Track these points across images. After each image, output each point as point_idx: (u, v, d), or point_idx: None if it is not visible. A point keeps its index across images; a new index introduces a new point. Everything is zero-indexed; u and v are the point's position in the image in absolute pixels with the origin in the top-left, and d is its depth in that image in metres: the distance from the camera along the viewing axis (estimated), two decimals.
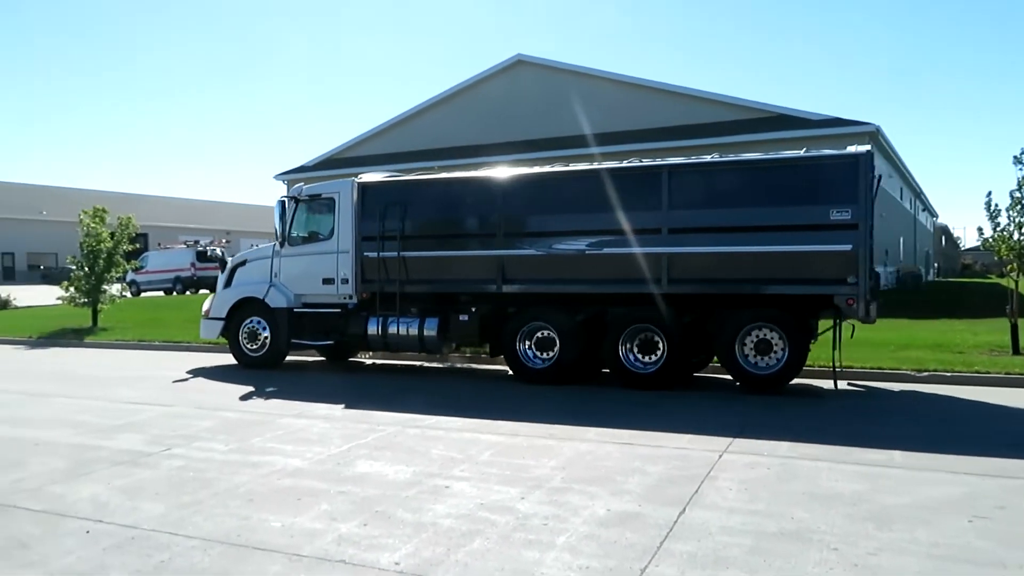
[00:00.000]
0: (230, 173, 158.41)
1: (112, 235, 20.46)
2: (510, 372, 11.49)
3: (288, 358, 13.58)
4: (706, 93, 28.12)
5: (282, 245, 12.80)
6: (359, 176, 12.68)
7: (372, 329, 11.92)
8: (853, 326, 10.54)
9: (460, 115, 31.90)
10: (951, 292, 30.96)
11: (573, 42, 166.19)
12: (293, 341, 12.73)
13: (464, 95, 32.35)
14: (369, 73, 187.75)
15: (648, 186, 10.48)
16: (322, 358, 14.05)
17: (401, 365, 13.58)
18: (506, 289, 11.19)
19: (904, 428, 7.93)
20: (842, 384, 10.35)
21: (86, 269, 20.06)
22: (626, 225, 10.42)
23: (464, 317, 11.50)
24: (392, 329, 11.79)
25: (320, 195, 12.71)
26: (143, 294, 33.65)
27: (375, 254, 11.88)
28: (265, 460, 6.64)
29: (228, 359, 13.43)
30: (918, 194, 44.87)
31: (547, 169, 11.69)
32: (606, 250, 10.53)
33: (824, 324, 10.47)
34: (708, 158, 10.78)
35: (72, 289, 20.24)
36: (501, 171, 11.87)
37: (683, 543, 4.59)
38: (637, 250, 10.34)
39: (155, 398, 9.94)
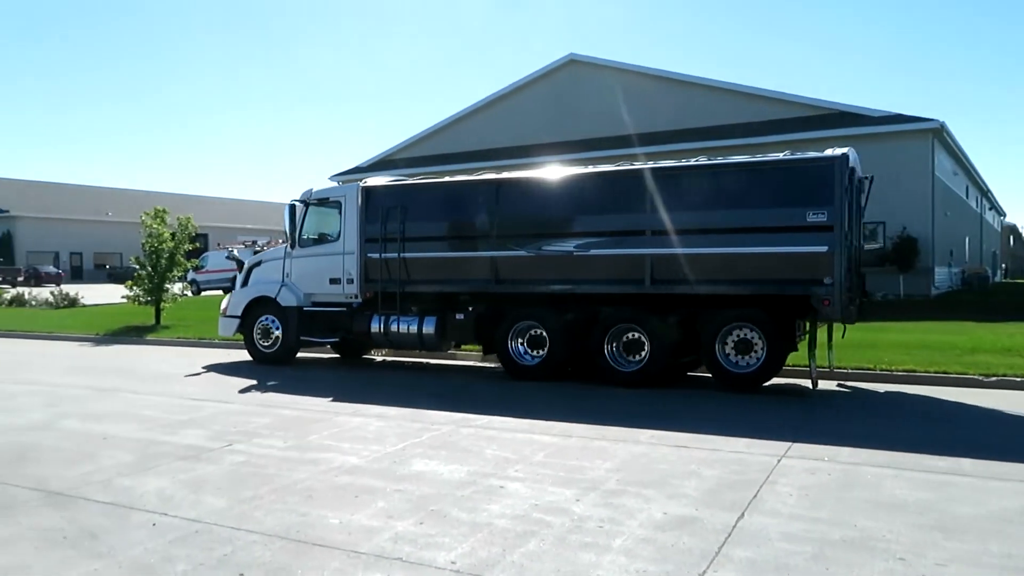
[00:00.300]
0: (287, 174, 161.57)
1: (173, 235, 21.03)
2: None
3: (304, 355, 14.37)
4: (763, 91, 27.68)
5: (293, 247, 13.36)
6: (364, 180, 13.12)
7: (375, 327, 12.38)
8: (844, 327, 10.65)
9: (512, 115, 31.97)
10: (1020, 294, 29.84)
11: (625, 41, 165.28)
12: (303, 338, 13.28)
13: (517, 95, 32.41)
14: (424, 74, 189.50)
15: (632, 189, 10.72)
16: (336, 355, 14.62)
17: (411, 363, 13.94)
18: (499, 289, 11.58)
19: (973, 435, 7.67)
20: (910, 388, 10.07)
21: (149, 269, 20.66)
22: (611, 227, 10.78)
23: (460, 316, 11.95)
24: (394, 327, 12.25)
25: (328, 199, 13.21)
26: (203, 293, 34.53)
27: (377, 255, 12.33)
28: (322, 457, 6.74)
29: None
30: (985, 192, 43.40)
31: (536, 173, 12.03)
32: (592, 251, 10.82)
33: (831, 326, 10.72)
34: (691, 161, 11.02)
35: (136, 288, 20.88)
36: (494, 175, 12.25)
37: (742, 549, 4.51)
38: (622, 251, 10.66)
39: (215, 394, 10.19)
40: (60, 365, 13.91)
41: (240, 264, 15.10)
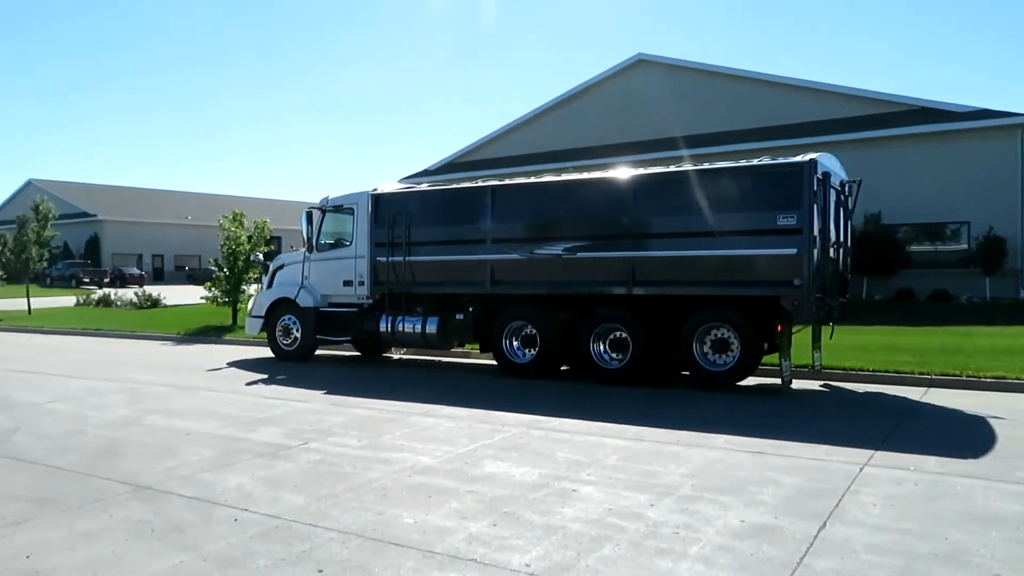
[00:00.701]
0: (359, 177, 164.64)
1: (249, 238, 21.67)
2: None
3: (333, 353, 15.53)
4: (838, 87, 26.88)
5: (310, 251, 14.27)
6: (375, 188, 13.73)
7: (383, 327, 13.16)
8: (832, 327, 11.31)
9: (580, 116, 31.83)
10: None
11: (693, 39, 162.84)
12: (319, 337, 14.16)
13: (584, 96, 32.25)
14: (494, 76, 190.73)
15: (616, 195, 11.31)
16: (357, 353, 15.44)
17: (430, 360, 14.70)
18: (495, 290, 12.18)
19: None
20: (999, 396, 9.62)
21: (226, 270, 21.33)
22: (597, 231, 11.33)
23: (460, 316, 12.63)
24: (400, 327, 13.01)
25: (342, 206, 13.99)
26: None
27: (385, 258, 13.14)
28: (396, 457, 6.82)
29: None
30: None
31: (529, 180, 12.63)
32: (579, 254, 11.36)
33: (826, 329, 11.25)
34: (671, 168, 11.45)
35: (214, 289, 21.60)
36: (490, 182, 12.95)
37: (825, 560, 4.37)
38: (606, 254, 11.20)
39: (290, 393, 10.44)
40: (144, 363, 14.47)
41: (266, 268, 16.07)
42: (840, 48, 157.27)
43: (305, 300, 14.21)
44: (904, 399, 9.77)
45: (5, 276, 34.43)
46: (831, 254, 10.71)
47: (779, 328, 10.25)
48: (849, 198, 11.41)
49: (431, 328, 12.71)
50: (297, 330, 14.35)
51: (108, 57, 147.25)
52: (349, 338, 14.15)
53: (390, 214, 13.13)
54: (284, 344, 14.60)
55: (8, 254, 30.71)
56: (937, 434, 7.77)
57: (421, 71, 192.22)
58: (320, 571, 4.26)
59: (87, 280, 49.57)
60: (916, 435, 7.69)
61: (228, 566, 4.33)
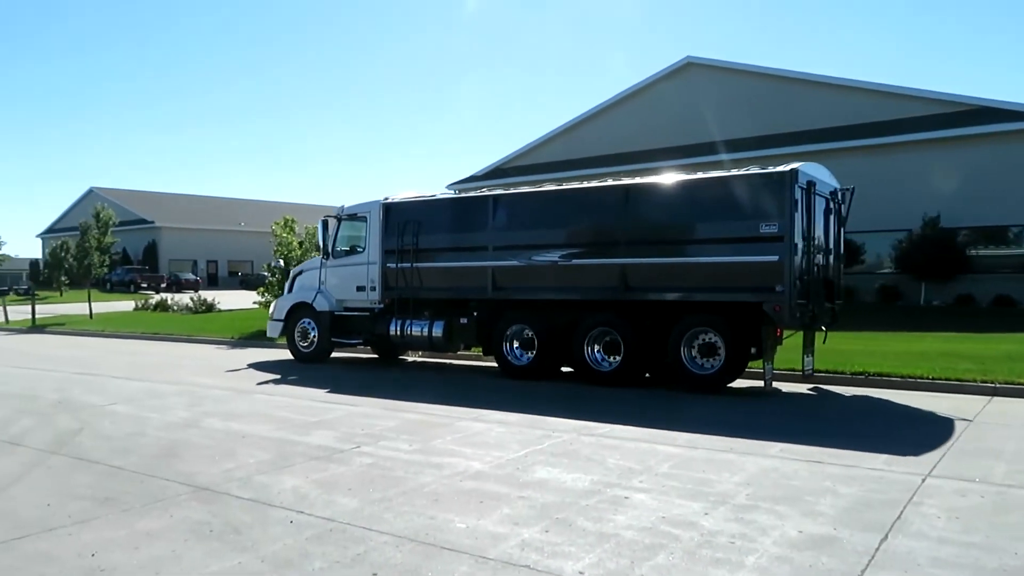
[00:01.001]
0: (408, 183, 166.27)
1: (301, 244, 22.04)
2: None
3: (354, 356, 16.22)
4: (895, 87, 26.29)
5: (326, 257, 14.98)
6: (386, 197, 14.33)
7: (393, 330, 13.77)
8: (825, 333, 11.62)
9: (629, 120, 31.67)
10: None
11: (743, 41, 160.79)
12: (334, 340, 14.82)
13: (633, 100, 32.10)
14: (542, 79, 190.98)
15: (608, 203, 11.74)
16: (374, 355, 16.10)
17: (444, 363, 15.27)
18: (496, 296, 12.71)
19: None
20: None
21: (279, 275, 21.72)
22: (590, 239, 11.82)
23: (464, 320, 13.18)
24: (408, 330, 13.60)
25: (356, 214, 14.66)
26: None
27: (395, 264, 13.75)
28: (447, 462, 6.85)
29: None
30: None
31: (527, 190, 13.18)
32: (574, 261, 11.85)
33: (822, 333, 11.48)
34: (660, 178, 11.81)
35: (267, 294, 22.03)
36: (491, 191, 13.47)
37: (887, 572, 4.25)
38: (599, 261, 11.64)
39: (341, 398, 10.56)
40: (200, 366, 14.81)
41: (286, 273, 16.70)
42: (894, 48, 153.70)
43: (321, 304, 14.87)
44: (967, 408, 9.47)
45: (68, 281, 35.61)
46: (819, 261, 11.01)
47: (763, 333, 10.55)
48: (842, 206, 11.69)
49: (437, 331, 13.28)
50: (314, 333, 15.00)
51: (165, 74, 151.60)
52: (361, 341, 14.85)
53: (399, 222, 13.72)
54: (302, 346, 15.27)
55: (71, 260, 31.77)
56: (1003, 445, 7.51)
57: (466, 78, 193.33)
58: (375, 574, 4.28)
59: (145, 285, 50.99)
60: (980, 445, 7.44)
61: (284, 567, 4.39)
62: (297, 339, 15.35)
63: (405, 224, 13.61)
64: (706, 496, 5.72)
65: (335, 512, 5.39)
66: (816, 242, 10.75)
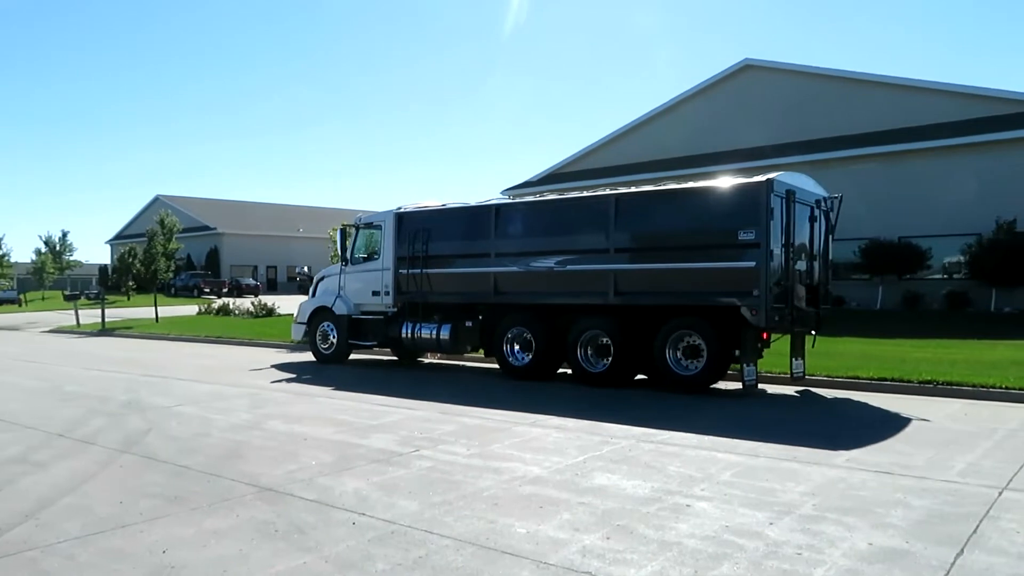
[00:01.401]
0: (464, 189, 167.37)
1: None
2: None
3: (376, 357, 17.09)
4: (962, 87, 25.47)
5: (344, 264, 15.81)
6: (399, 207, 15.02)
7: (405, 333, 14.46)
8: (815, 336, 12.16)
9: (686, 124, 31.32)
10: None
11: (802, 43, 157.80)
12: (351, 342, 15.56)
13: (690, 103, 31.73)
14: (595, 86, 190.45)
15: (599, 212, 12.20)
16: (394, 357, 16.73)
17: (455, 365, 16.03)
18: (498, 300, 13.36)
19: None
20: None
21: None
22: (582, 246, 12.32)
23: (469, 323, 13.88)
24: (418, 333, 14.27)
25: (372, 223, 15.44)
26: None
27: (406, 271, 14.43)
28: (505, 466, 6.85)
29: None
30: None
31: (527, 199, 13.82)
32: (568, 267, 12.39)
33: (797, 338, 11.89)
34: (646, 188, 12.57)
35: None
36: (493, 201, 14.19)
37: None
38: (590, 267, 12.17)
39: (399, 401, 10.66)
40: (262, 370, 15.10)
41: (310, 279, 17.75)
42: (961, 47, 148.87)
43: (340, 309, 15.66)
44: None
45: (135, 286, 36.78)
46: (802, 267, 11.45)
47: (743, 336, 10.91)
48: (831, 213, 12.19)
49: (444, 334, 13.93)
50: (333, 336, 15.81)
51: (228, 83, 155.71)
52: (376, 343, 15.48)
53: (411, 231, 14.43)
54: (322, 348, 16.08)
55: (138, 265, 32.81)
56: None
57: (520, 85, 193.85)
58: None
59: (207, 290, 52.28)
60: None
61: (348, 568, 4.44)
62: (318, 341, 16.16)
63: (416, 232, 14.33)
64: (770, 506, 5.60)
65: (396, 515, 5.43)
66: (796, 249, 11.14)
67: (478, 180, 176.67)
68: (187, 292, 52.06)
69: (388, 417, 9.41)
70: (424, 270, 14.19)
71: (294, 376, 13.92)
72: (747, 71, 30.12)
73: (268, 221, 67.99)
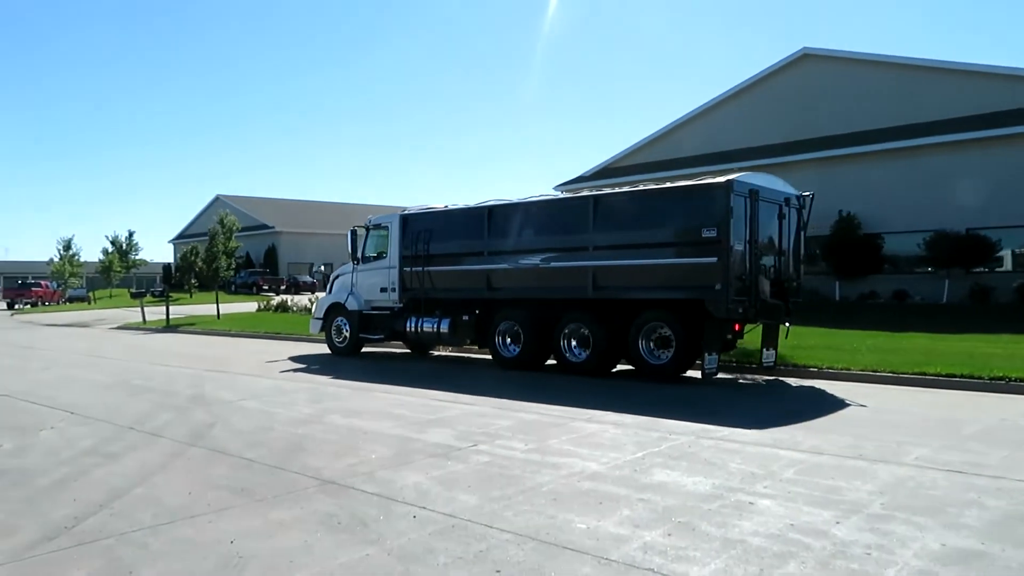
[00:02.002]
0: (517, 184, 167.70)
1: None
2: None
3: (391, 350, 18.08)
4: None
5: (356, 263, 16.94)
6: (405, 210, 16.21)
7: (409, 327, 15.49)
8: (788, 328, 12.86)
9: (742, 116, 30.77)
10: None
11: (863, 30, 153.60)
12: (361, 336, 16.62)
13: (747, 94, 31.15)
14: (647, 81, 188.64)
15: (580, 212, 12.99)
16: (407, 350, 17.77)
17: (466, 357, 16.97)
18: (491, 295, 14.29)
19: None
20: None
21: None
22: (565, 244, 13.16)
23: (466, 318, 14.71)
24: (421, 327, 15.25)
25: (380, 224, 16.56)
26: None
27: (410, 269, 15.49)
28: (563, 462, 6.83)
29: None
30: None
31: (516, 200, 14.39)
32: (552, 264, 13.28)
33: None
34: (621, 189, 13.30)
35: None
36: (487, 202, 14.74)
37: None
38: (573, 264, 12.99)
39: (457, 396, 10.72)
40: (321, 365, 15.37)
41: (326, 277, 18.82)
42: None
43: (352, 304, 16.77)
44: None
45: (197, 284, 37.74)
46: (768, 262, 12.09)
47: (707, 327, 11.52)
48: (801, 211, 12.88)
49: (444, 328, 14.87)
50: (346, 330, 16.89)
51: (286, 84, 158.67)
52: (384, 336, 16.41)
53: (414, 231, 15.49)
54: (337, 342, 17.15)
55: (200, 264, 33.66)
56: None
57: (573, 82, 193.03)
58: (498, 572, 4.31)
59: (266, 287, 53.36)
60: None
61: (411, 561, 4.48)
62: (333, 335, 17.23)
63: (419, 233, 15.38)
64: (837, 504, 5.47)
65: (456, 509, 5.46)
66: (761, 245, 11.75)
67: (532, 175, 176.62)
68: (247, 289, 53.19)
69: (445, 412, 9.48)
70: (426, 268, 15.20)
71: (349, 370, 14.11)
72: (805, 60, 29.43)
73: (324, 219, 69.01)
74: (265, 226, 64.53)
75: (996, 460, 6.75)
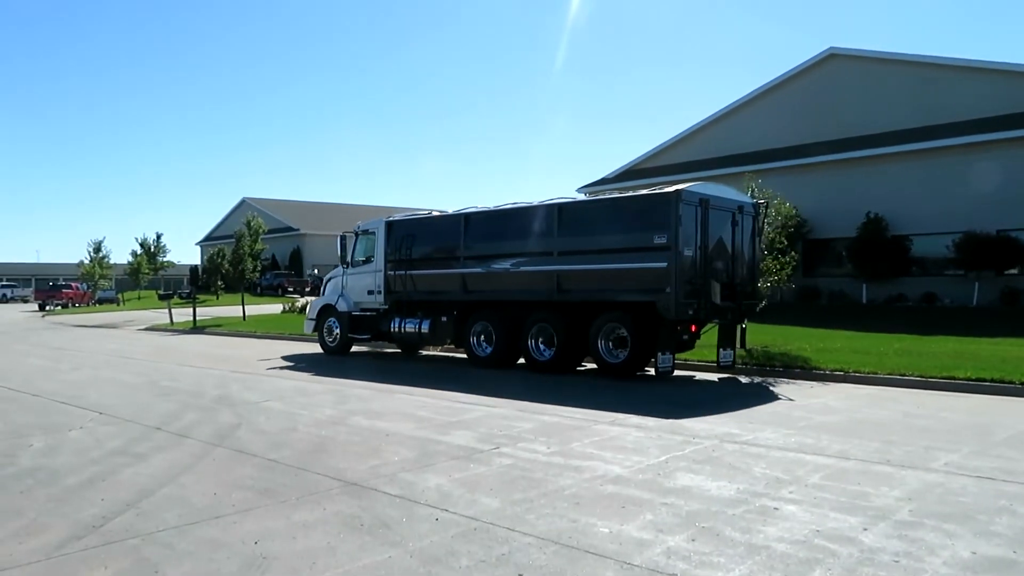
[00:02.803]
0: (540, 187, 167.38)
1: None
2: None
3: (378, 349, 18.83)
4: None
5: (345, 266, 17.74)
6: (389, 216, 17.13)
7: (393, 327, 16.32)
8: (743, 329, 13.74)
9: (768, 116, 30.49)
10: None
11: (889, 25, 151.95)
12: (350, 336, 17.44)
13: (772, 95, 30.86)
14: (673, 83, 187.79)
15: (545, 219, 13.79)
16: (398, 350, 18.49)
17: (450, 357, 17.55)
18: (467, 298, 15.07)
19: None
20: None
21: None
22: (531, 249, 13.96)
23: (445, 319, 15.52)
24: (403, 328, 16.09)
25: (368, 230, 17.37)
26: None
27: (394, 272, 16.34)
28: (586, 465, 6.80)
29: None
30: None
31: (490, 208, 15.10)
32: (522, 268, 14.06)
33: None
34: (583, 198, 14.04)
35: None
36: (463, 209, 15.60)
37: None
38: (539, 268, 13.78)
39: (479, 399, 10.72)
40: (343, 367, 15.45)
41: (320, 280, 19.52)
42: None
43: (342, 306, 17.60)
44: None
45: (223, 286, 38.11)
46: (719, 266, 12.77)
47: (659, 328, 12.22)
48: (758, 218, 13.74)
49: (424, 328, 15.71)
50: (337, 330, 17.71)
51: (310, 91, 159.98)
52: (370, 336, 17.18)
53: (398, 236, 16.34)
54: (328, 341, 17.98)
55: (227, 266, 34.00)
56: None
57: (592, 83, 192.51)
58: (520, 575, 4.30)
59: (291, 289, 53.75)
60: None
61: (432, 563, 4.48)
62: (325, 335, 18.07)
63: (402, 238, 16.24)
64: (863, 510, 5.39)
65: (478, 511, 5.45)
66: (712, 251, 12.51)
67: (562, 175, 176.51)
68: (272, 291, 53.63)
69: (467, 414, 9.48)
70: (408, 272, 16.06)
71: (372, 372, 14.17)
72: (832, 60, 29.09)
73: (348, 221, 69.25)
74: (290, 228, 65.03)
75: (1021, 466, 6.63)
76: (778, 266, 15.27)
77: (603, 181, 35.00)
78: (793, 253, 16.81)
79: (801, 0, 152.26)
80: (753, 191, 15.35)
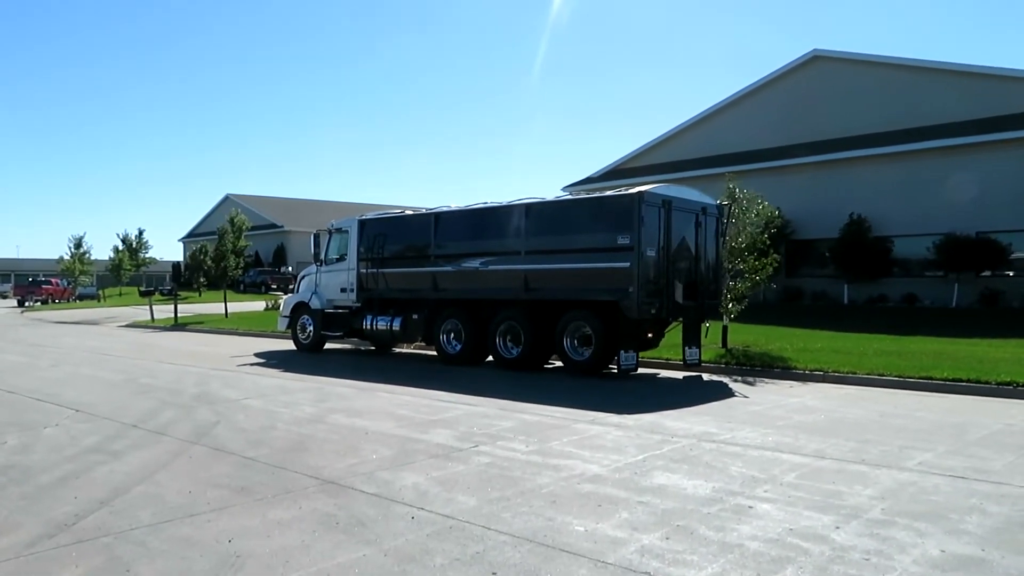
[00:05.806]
0: (526, 186, 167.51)
1: None
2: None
3: (351, 346, 18.89)
4: None
5: (319, 264, 17.86)
6: (362, 215, 17.26)
7: (366, 325, 16.51)
8: (707, 325, 14.10)
9: (752, 117, 30.67)
10: None
11: (873, 28, 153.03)
12: (323, 333, 17.59)
13: (756, 96, 31.05)
14: (658, 84, 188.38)
15: (513, 219, 13.94)
16: (372, 347, 18.54)
17: (423, 355, 17.57)
18: (437, 296, 15.25)
19: None
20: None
21: None
22: (500, 249, 14.11)
23: (416, 316, 15.69)
24: (376, 325, 16.28)
25: (341, 228, 17.53)
26: None
27: (366, 270, 16.51)
28: (564, 464, 6.82)
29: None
30: None
31: (459, 208, 15.34)
32: (491, 267, 14.22)
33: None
34: (550, 198, 14.22)
35: None
36: (434, 209, 15.90)
37: None
38: (508, 267, 13.93)
39: (460, 397, 10.72)
40: (326, 365, 15.40)
41: (293, 277, 18.76)
42: None
43: (315, 304, 17.74)
44: None
45: (206, 282, 37.91)
46: (683, 266, 13.01)
47: (622, 326, 12.45)
48: (721, 219, 14.02)
49: (396, 326, 15.91)
50: (310, 327, 17.87)
51: (295, 87, 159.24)
52: (343, 334, 17.37)
53: (370, 235, 16.49)
54: (301, 338, 18.16)
55: (209, 262, 33.81)
56: None
57: (589, 75, 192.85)
58: (494, 573, 4.30)
59: (275, 286, 53.46)
60: None
61: (407, 562, 4.48)
62: (298, 332, 18.25)
63: (374, 237, 16.38)
64: (837, 509, 5.44)
65: (454, 510, 5.46)
66: (675, 251, 12.74)
67: (547, 174, 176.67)
68: (255, 288, 53.28)
69: (447, 412, 9.48)
70: (380, 270, 16.22)
71: (355, 369, 14.13)
72: (816, 62, 29.31)
73: (331, 218, 68.98)
74: (274, 225, 64.71)
75: (1000, 466, 6.71)
76: (759, 266, 15.30)
77: (588, 180, 35.07)
78: (775, 255, 16.88)
79: (785, 2, 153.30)
80: (733, 192, 15.36)
